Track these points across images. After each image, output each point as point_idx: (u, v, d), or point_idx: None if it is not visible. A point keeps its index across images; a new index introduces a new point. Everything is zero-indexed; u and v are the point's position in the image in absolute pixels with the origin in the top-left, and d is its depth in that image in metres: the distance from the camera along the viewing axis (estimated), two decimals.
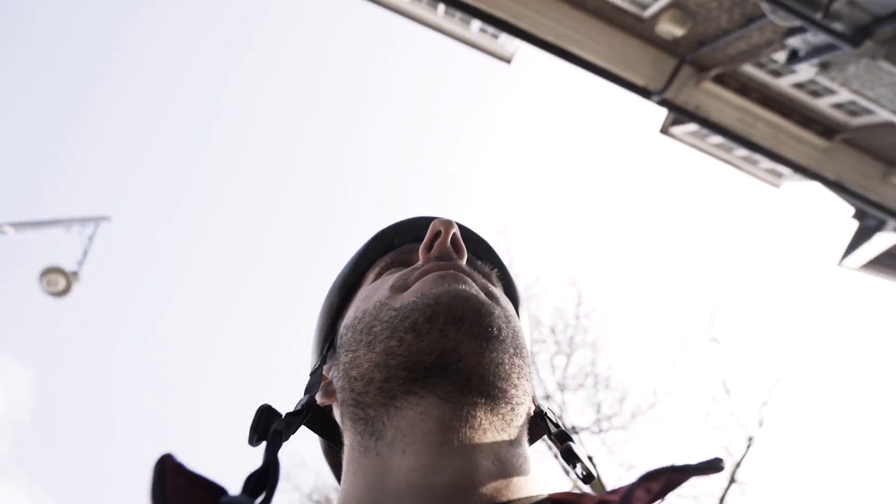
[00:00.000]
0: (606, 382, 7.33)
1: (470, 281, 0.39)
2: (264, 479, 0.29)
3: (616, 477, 6.90)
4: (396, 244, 0.51)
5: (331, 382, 0.41)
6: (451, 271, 0.39)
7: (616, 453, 7.08)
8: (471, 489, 0.29)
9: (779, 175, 7.09)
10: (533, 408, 0.43)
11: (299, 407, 0.38)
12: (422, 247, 0.43)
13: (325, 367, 0.43)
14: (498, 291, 0.44)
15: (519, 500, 0.29)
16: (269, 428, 0.35)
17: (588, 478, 0.37)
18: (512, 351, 0.36)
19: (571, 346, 7.39)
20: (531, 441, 0.43)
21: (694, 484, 7.46)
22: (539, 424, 0.43)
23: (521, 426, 0.36)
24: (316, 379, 0.42)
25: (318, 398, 0.42)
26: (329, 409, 0.43)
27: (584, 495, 0.29)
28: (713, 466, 0.29)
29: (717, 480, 7.09)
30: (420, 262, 0.42)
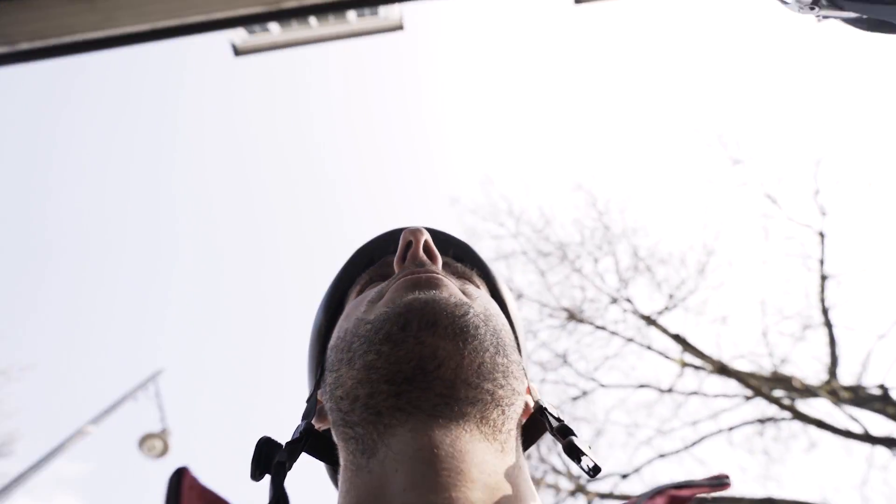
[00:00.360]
0: (659, 258, 7.19)
1: (444, 283, 0.39)
2: None
3: (714, 333, 6.79)
4: (376, 258, 0.51)
5: (324, 406, 0.41)
6: (424, 276, 0.39)
7: (704, 313, 6.97)
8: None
9: None
10: (532, 403, 0.43)
11: (297, 434, 0.38)
12: (396, 259, 0.43)
13: (319, 392, 0.43)
14: (477, 291, 0.43)
15: None
16: (271, 460, 0.35)
17: (595, 470, 0.35)
18: (493, 350, 0.35)
19: (609, 244, 7.27)
20: (533, 439, 0.43)
21: (789, 294, 7.27)
22: (539, 420, 0.42)
23: (514, 431, 0.36)
24: (312, 404, 0.42)
25: (316, 423, 0.42)
26: (328, 431, 0.43)
27: None
28: (720, 483, 0.28)
29: (810, 283, 6.90)
30: (396, 273, 0.42)
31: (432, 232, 0.51)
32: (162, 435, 6.41)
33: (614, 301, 7.07)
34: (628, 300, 6.99)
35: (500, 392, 0.34)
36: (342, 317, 0.43)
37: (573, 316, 6.84)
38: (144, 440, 6.36)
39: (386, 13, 6.30)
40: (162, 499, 0.26)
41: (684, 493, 0.27)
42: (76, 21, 4.44)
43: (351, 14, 6.14)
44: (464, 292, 0.40)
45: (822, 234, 7.12)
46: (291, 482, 0.33)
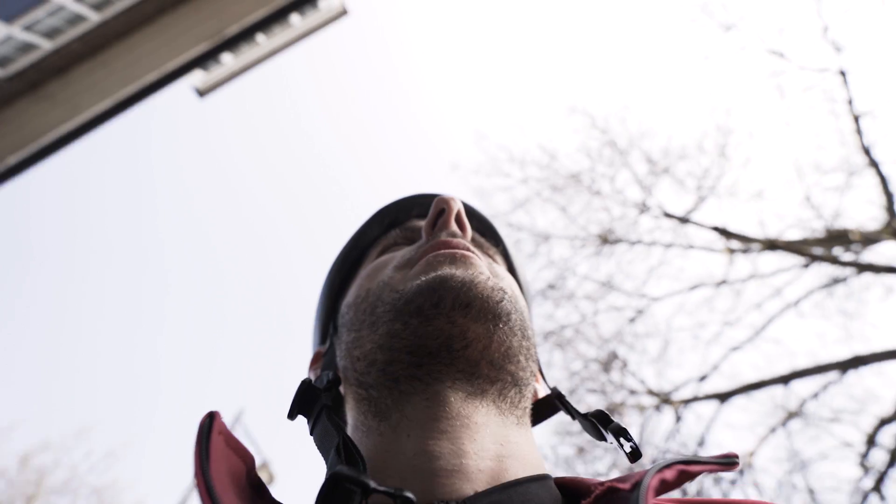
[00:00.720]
0: (676, 156, 6.90)
1: (477, 263, 0.38)
2: (349, 451, 0.30)
3: (753, 211, 6.52)
4: (400, 221, 0.50)
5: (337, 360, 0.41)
6: (458, 251, 0.38)
7: (738, 194, 6.68)
8: (476, 473, 0.29)
9: None
10: (540, 388, 0.43)
11: (325, 384, 0.38)
12: (426, 223, 0.42)
13: (324, 345, 0.44)
14: (502, 271, 0.43)
15: (520, 479, 0.30)
16: (311, 403, 0.35)
17: (635, 454, 0.35)
18: (520, 334, 0.36)
19: (620, 156, 7.01)
20: (542, 418, 0.44)
21: (820, 144, 6.82)
22: (549, 406, 0.43)
23: (527, 407, 0.36)
24: (331, 357, 0.42)
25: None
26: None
27: (589, 480, 0.28)
28: (729, 462, 0.29)
29: (844, 128, 6.46)
30: (424, 240, 0.41)
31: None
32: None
33: (643, 211, 6.88)
34: (657, 206, 6.78)
35: (521, 374, 0.35)
36: (363, 275, 0.42)
37: (606, 239, 6.72)
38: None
39: (327, 5, 6.11)
40: (195, 436, 0.27)
41: (693, 468, 0.28)
42: (45, 120, 4.54)
43: (294, 18, 5.99)
44: (491, 271, 0.40)
45: (842, 73, 6.59)
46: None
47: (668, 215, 6.69)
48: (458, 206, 0.42)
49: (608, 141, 7.02)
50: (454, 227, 0.41)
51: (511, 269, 0.50)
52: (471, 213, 0.51)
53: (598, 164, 6.98)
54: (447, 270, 0.35)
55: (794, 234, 6.22)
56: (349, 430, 0.36)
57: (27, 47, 4.36)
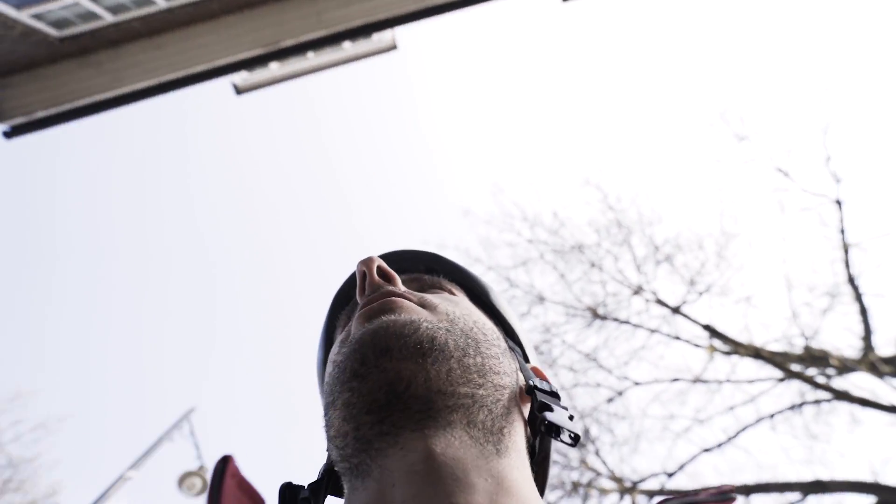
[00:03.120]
0: (676, 245, 7.15)
1: (396, 304, 0.39)
2: None
3: (741, 316, 6.71)
4: (352, 296, 0.51)
5: None
6: (376, 304, 0.39)
7: (728, 296, 6.89)
8: None
9: None
10: (526, 381, 0.41)
11: (319, 476, 0.39)
12: (357, 292, 0.44)
13: None
14: (440, 297, 0.44)
15: None
16: (296, 502, 0.35)
17: (576, 439, 0.37)
18: (459, 353, 0.35)
19: (625, 238, 7.24)
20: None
21: (813, 266, 7.16)
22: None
23: (509, 426, 0.35)
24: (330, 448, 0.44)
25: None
26: None
27: None
28: (726, 498, 0.29)
29: (834, 254, 6.79)
30: (359, 305, 0.42)
31: (396, 254, 0.53)
32: (200, 472, 6.51)
33: (637, 293, 7.04)
34: (650, 291, 6.96)
35: (481, 392, 0.34)
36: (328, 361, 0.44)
37: (597, 313, 6.82)
38: (184, 479, 6.47)
39: (379, 36, 6.40)
40: (209, 481, 0.28)
41: None
42: (86, 85, 4.60)
43: (346, 42, 6.25)
44: (422, 302, 0.41)
45: (838, 202, 7.00)
46: None
47: (659, 302, 6.85)
48: (375, 263, 0.43)
49: (616, 219, 7.26)
50: (378, 281, 0.43)
51: (473, 290, 0.50)
52: (414, 257, 0.52)
53: (604, 240, 7.18)
54: (362, 329, 0.37)
55: (775, 346, 6.39)
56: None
57: (90, 16, 4.47)
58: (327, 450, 0.42)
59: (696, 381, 6.43)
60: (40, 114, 4.75)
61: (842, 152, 7.66)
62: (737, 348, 6.31)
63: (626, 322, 6.82)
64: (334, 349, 0.42)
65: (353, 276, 0.53)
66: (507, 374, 0.38)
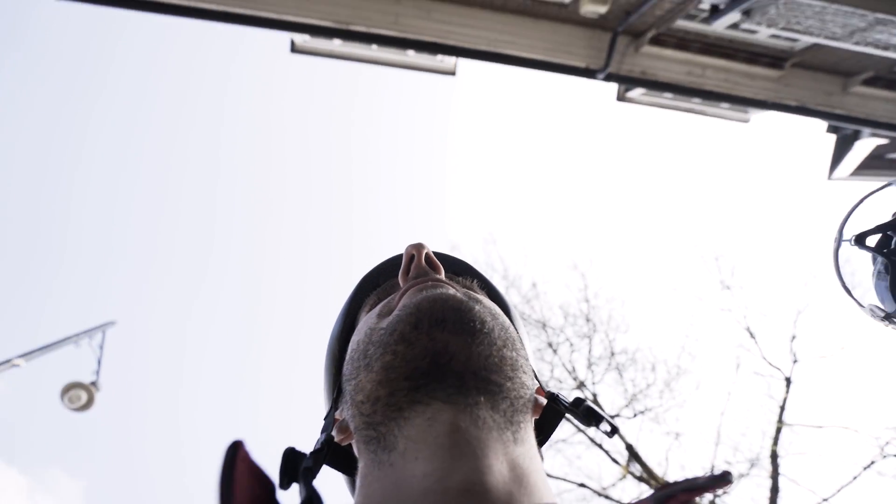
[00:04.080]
0: (632, 358, 7.26)
1: (449, 286, 0.40)
2: None
3: (664, 447, 6.80)
4: (381, 282, 0.53)
5: (343, 420, 0.42)
6: (429, 282, 0.41)
7: (661, 423, 6.98)
8: (484, 492, 0.29)
9: (744, 111, 7.09)
10: (543, 400, 0.44)
11: (319, 445, 0.39)
12: (401, 272, 0.45)
13: (336, 411, 0.44)
14: (481, 296, 0.45)
15: None
16: (298, 469, 0.35)
17: (613, 431, 0.38)
18: (500, 343, 0.36)
19: (588, 331, 7.34)
20: (549, 431, 0.45)
21: (745, 430, 7.36)
22: (554, 413, 0.44)
23: (525, 423, 0.36)
24: (329, 420, 0.44)
25: (336, 437, 0.43)
26: (348, 446, 0.44)
27: None
28: (724, 480, 0.30)
29: (766, 427, 6.97)
30: (402, 287, 0.43)
31: (436, 252, 0.53)
32: (90, 387, 6.12)
33: (579, 388, 7.08)
34: (593, 392, 7.00)
35: (508, 384, 0.35)
36: (354, 334, 0.44)
37: None
38: (70, 388, 6.07)
39: (443, 58, 6.59)
40: (218, 466, 0.28)
41: (691, 495, 0.28)
42: None
43: (411, 50, 6.41)
44: (468, 295, 0.41)
45: (788, 380, 7.26)
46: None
47: (597, 405, 6.88)
48: (426, 249, 0.45)
49: (587, 313, 7.37)
50: (425, 267, 0.44)
51: (495, 299, 0.52)
52: (442, 258, 0.53)
53: (568, 327, 7.27)
54: (419, 296, 0.38)
55: None
56: (359, 474, 0.36)
57: None
58: (330, 424, 0.43)
59: (601, 494, 6.40)
60: None
61: (807, 336, 8.01)
62: (649, 478, 6.33)
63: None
64: (367, 321, 0.42)
65: (383, 264, 0.54)
66: (530, 377, 0.39)
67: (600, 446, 6.63)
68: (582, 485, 6.35)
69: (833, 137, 6.30)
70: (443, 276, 0.44)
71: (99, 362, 6.52)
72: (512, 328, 0.41)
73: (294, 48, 6.78)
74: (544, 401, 0.44)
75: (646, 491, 6.36)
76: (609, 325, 7.31)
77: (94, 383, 6.24)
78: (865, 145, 6.13)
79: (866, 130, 5.92)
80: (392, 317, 0.38)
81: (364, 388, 0.36)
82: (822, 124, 6.11)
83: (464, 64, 6.84)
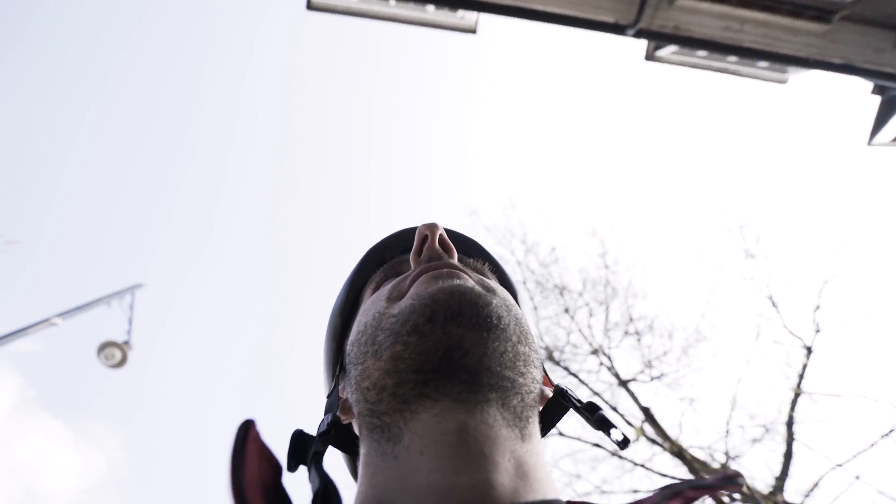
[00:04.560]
0: (650, 325, 7.26)
1: (464, 275, 0.39)
2: (328, 498, 0.29)
3: (679, 412, 6.90)
4: (388, 258, 0.51)
5: (346, 400, 0.41)
6: (444, 269, 0.39)
7: (676, 390, 7.05)
8: (489, 489, 0.29)
9: (783, 70, 6.67)
10: (549, 391, 0.44)
11: (325, 427, 0.39)
12: (412, 253, 0.43)
13: (339, 388, 0.44)
14: (494, 283, 0.44)
15: (532, 501, 0.29)
16: (306, 452, 0.35)
17: (624, 443, 0.37)
18: (515, 339, 0.36)
19: (606, 297, 7.33)
20: (553, 422, 0.45)
21: (762, 397, 7.37)
22: (559, 405, 0.44)
23: (533, 416, 0.36)
24: (334, 399, 0.43)
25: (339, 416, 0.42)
26: (349, 425, 0.44)
27: None
28: (732, 482, 0.30)
29: (783, 395, 6.98)
30: (413, 269, 0.42)
31: (448, 230, 0.52)
32: (123, 346, 6.44)
33: (595, 353, 7.15)
34: (608, 356, 7.07)
35: (521, 380, 0.35)
36: (360, 313, 0.43)
37: (551, 356, 6.91)
38: (105, 346, 6.40)
39: (464, 14, 6.31)
40: (230, 445, 0.28)
41: (698, 493, 0.28)
42: None
43: (430, 6, 6.15)
44: (481, 283, 0.41)
45: (809, 349, 7.18)
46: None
47: (612, 370, 6.96)
48: (439, 231, 0.43)
49: (606, 278, 7.33)
50: (439, 250, 0.42)
51: (504, 284, 0.51)
52: (455, 237, 0.52)
53: (587, 292, 7.25)
54: (435, 286, 0.36)
55: (698, 453, 6.56)
56: (361, 459, 0.36)
57: None
58: (334, 403, 0.42)
59: (615, 454, 6.57)
60: None
61: (833, 306, 7.84)
62: (663, 440, 6.46)
63: (575, 375, 6.93)
64: (376, 302, 0.41)
65: (390, 238, 0.52)
66: (539, 369, 0.39)
67: (615, 409, 6.75)
68: (596, 445, 6.52)
69: (878, 99, 5.91)
70: (455, 260, 0.43)
71: (130, 322, 6.84)
72: (524, 319, 0.40)
73: (310, 5, 6.57)
74: (550, 392, 0.44)
75: (658, 452, 6.51)
76: (628, 292, 7.28)
77: (126, 342, 6.57)
78: None
79: None
80: (405, 305, 0.37)
81: (371, 375, 0.35)
82: (868, 85, 5.73)
83: (485, 20, 6.55)
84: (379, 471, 0.33)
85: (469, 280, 0.39)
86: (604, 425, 0.38)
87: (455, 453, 0.30)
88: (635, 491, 6.44)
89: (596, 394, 6.85)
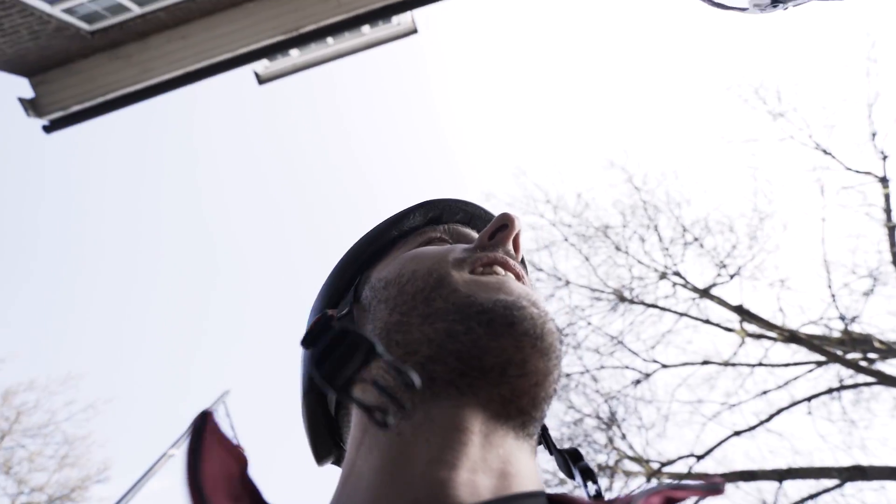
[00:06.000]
0: (706, 227, 6.92)
1: (541, 300, 0.38)
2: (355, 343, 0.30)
3: (775, 298, 6.48)
4: (443, 220, 0.50)
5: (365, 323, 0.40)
6: (522, 277, 0.40)
7: (760, 278, 6.65)
8: (482, 487, 0.29)
9: None
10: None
11: (345, 310, 0.39)
12: (485, 232, 0.42)
13: (355, 307, 0.42)
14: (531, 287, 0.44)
15: (517, 493, 0.29)
16: (324, 333, 0.33)
17: (598, 496, 0.36)
18: (558, 377, 0.36)
19: (651, 218, 7.05)
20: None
21: (854, 247, 6.77)
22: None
23: (536, 432, 0.36)
24: (351, 311, 0.40)
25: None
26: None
27: (580, 499, 0.29)
28: (714, 489, 0.30)
29: (877, 234, 6.44)
30: (479, 245, 0.41)
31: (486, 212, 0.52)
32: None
33: (663, 276, 6.87)
34: (678, 274, 6.77)
35: (544, 412, 0.35)
36: (406, 256, 0.41)
37: (622, 297, 6.70)
38: None
39: (399, 20, 6.34)
40: (188, 435, 0.28)
41: (679, 494, 0.28)
42: (117, 78, 4.75)
43: (365, 27, 6.23)
44: (546, 312, 0.40)
45: (884, 180, 6.62)
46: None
47: (687, 286, 6.67)
48: (519, 228, 0.42)
49: (642, 200, 7.07)
50: (510, 247, 0.41)
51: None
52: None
53: (629, 222, 7.02)
54: (528, 299, 0.35)
55: (812, 330, 6.15)
56: (354, 426, 0.35)
57: (118, 8, 4.59)
58: (351, 314, 0.40)
59: (727, 364, 6.26)
60: (75, 108, 4.94)
61: (890, 126, 7.19)
62: (771, 331, 6.10)
63: (654, 306, 6.68)
64: (441, 262, 0.38)
65: (453, 202, 0.50)
66: None
67: (707, 321, 6.45)
68: (706, 362, 6.24)
69: None
70: (518, 259, 0.42)
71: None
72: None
73: (260, 80, 6.81)
74: None
75: (770, 346, 6.14)
76: (670, 203, 6.97)
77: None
78: None
79: None
80: (486, 295, 0.35)
81: (409, 332, 0.34)
82: None
83: (421, 18, 6.55)
84: (376, 446, 0.32)
85: (547, 311, 0.37)
86: (586, 475, 0.37)
87: (461, 454, 0.30)
88: (765, 392, 6.10)
89: (682, 315, 6.55)
